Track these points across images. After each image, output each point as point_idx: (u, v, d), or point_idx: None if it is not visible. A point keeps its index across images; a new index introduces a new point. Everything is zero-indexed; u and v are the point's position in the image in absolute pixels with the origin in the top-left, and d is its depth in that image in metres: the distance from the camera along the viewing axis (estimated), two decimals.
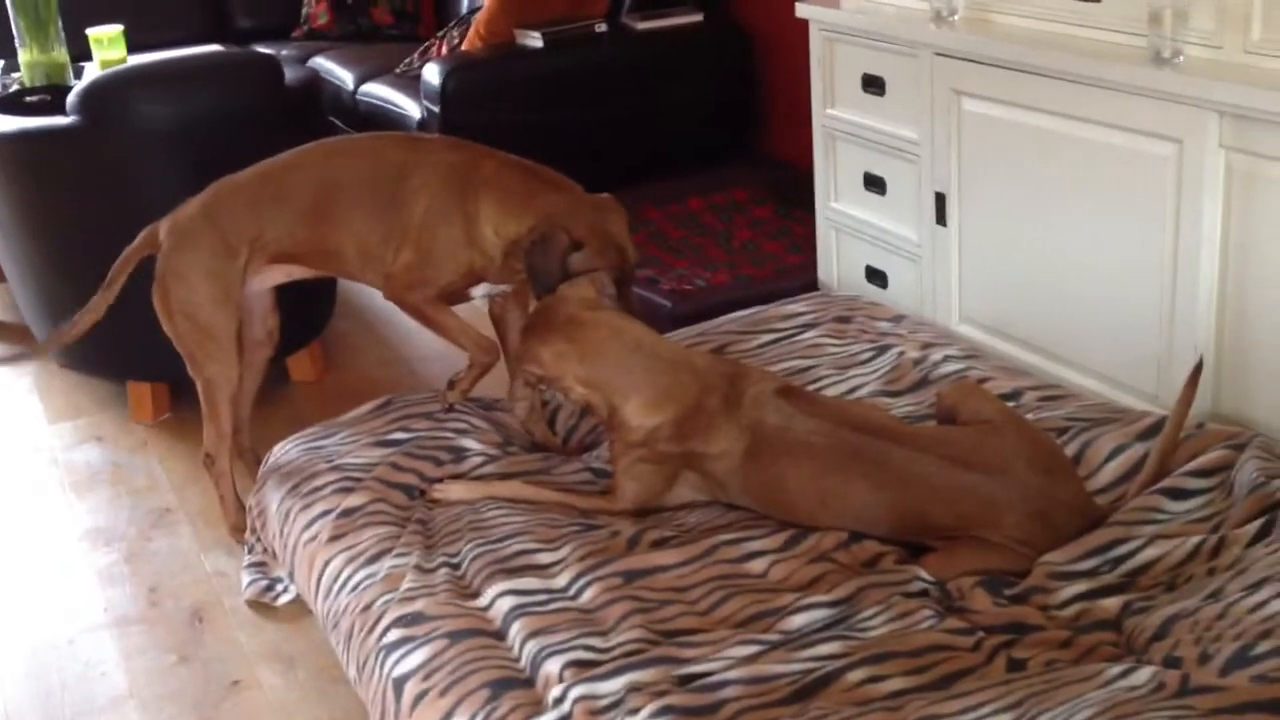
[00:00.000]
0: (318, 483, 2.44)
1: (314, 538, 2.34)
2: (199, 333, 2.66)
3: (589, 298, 2.33)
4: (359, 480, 2.44)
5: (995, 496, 2.08)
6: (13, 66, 4.23)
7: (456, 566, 2.18)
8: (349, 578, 2.22)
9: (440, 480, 2.43)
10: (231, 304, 2.65)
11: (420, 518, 2.34)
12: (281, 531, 2.45)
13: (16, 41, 4.08)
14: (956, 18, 2.85)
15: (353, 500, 2.37)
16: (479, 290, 2.60)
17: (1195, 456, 2.19)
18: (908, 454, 2.15)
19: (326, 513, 2.36)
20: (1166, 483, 2.15)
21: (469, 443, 2.54)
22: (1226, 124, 2.27)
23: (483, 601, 2.07)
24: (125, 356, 3.40)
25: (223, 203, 2.65)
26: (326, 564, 2.28)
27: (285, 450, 2.61)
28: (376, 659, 2.01)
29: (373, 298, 3.10)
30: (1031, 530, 2.08)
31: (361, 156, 2.65)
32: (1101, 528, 2.08)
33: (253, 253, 2.64)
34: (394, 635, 2.02)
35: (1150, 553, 2.03)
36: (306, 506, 2.41)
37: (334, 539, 2.30)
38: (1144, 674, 1.70)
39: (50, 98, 3.69)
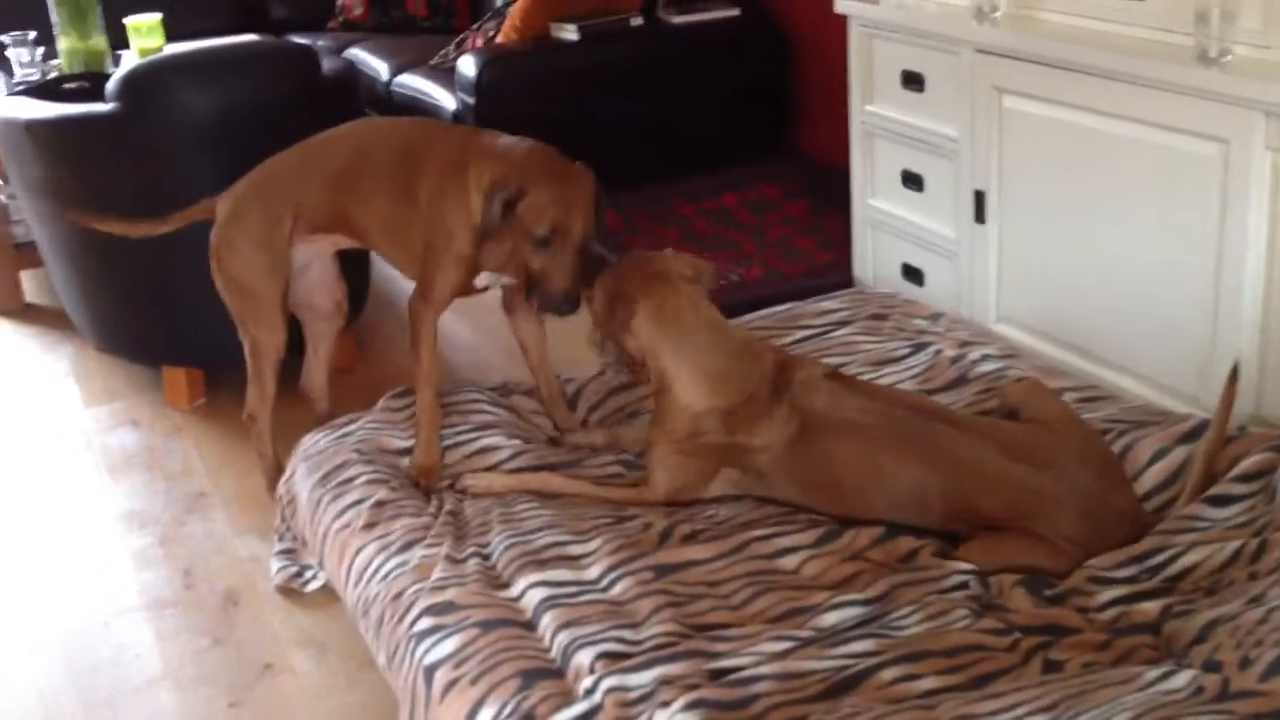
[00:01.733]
0: (349, 473, 2.45)
1: (346, 526, 2.34)
2: (246, 298, 2.75)
3: (684, 271, 2.31)
4: (390, 472, 2.45)
5: (1046, 491, 2.07)
6: (52, 53, 4.26)
7: (487, 558, 2.18)
8: (380, 566, 2.22)
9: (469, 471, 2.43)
10: (279, 272, 2.73)
11: (451, 509, 2.34)
12: (312, 520, 2.45)
13: (56, 29, 4.11)
14: (999, 14, 2.83)
15: (384, 493, 2.37)
16: (481, 280, 2.57)
17: (1237, 461, 2.17)
18: (962, 438, 2.14)
19: (358, 502, 2.36)
20: (1214, 491, 2.13)
21: (496, 439, 2.54)
22: (1274, 124, 2.24)
23: (514, 592, 2.07)
24: (161, 341, 3.42)
25: (270, 174, 2.74)
26: (358, 552, 2.28)
27: (315, 441, 2.62)
28: (407, 646, 2.01)
29: (406, 289, 3.09)
30: (1080, 530, 2.06)
31: (391, 136, 2.69)
32: (1146, 537, 2.07)
33: (296, 221, 2.70)
34: (425, 623, 2.02)
35: (1190, 558, 2.01)
36: (337, 496, 2.41)
37: (366, 528, 2.30)
38: (1183, 677, 1.69)
39: (89, 85, 3.71)
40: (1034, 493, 2.08)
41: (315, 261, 2.83)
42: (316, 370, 2.99)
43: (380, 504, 2.34)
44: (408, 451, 2.52)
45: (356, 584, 2.25)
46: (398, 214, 2.58)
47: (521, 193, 2.37)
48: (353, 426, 2.61)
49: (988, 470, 2.10)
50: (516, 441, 2.54)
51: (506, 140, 2.52)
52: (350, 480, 2.43)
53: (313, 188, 2.68)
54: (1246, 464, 2.14)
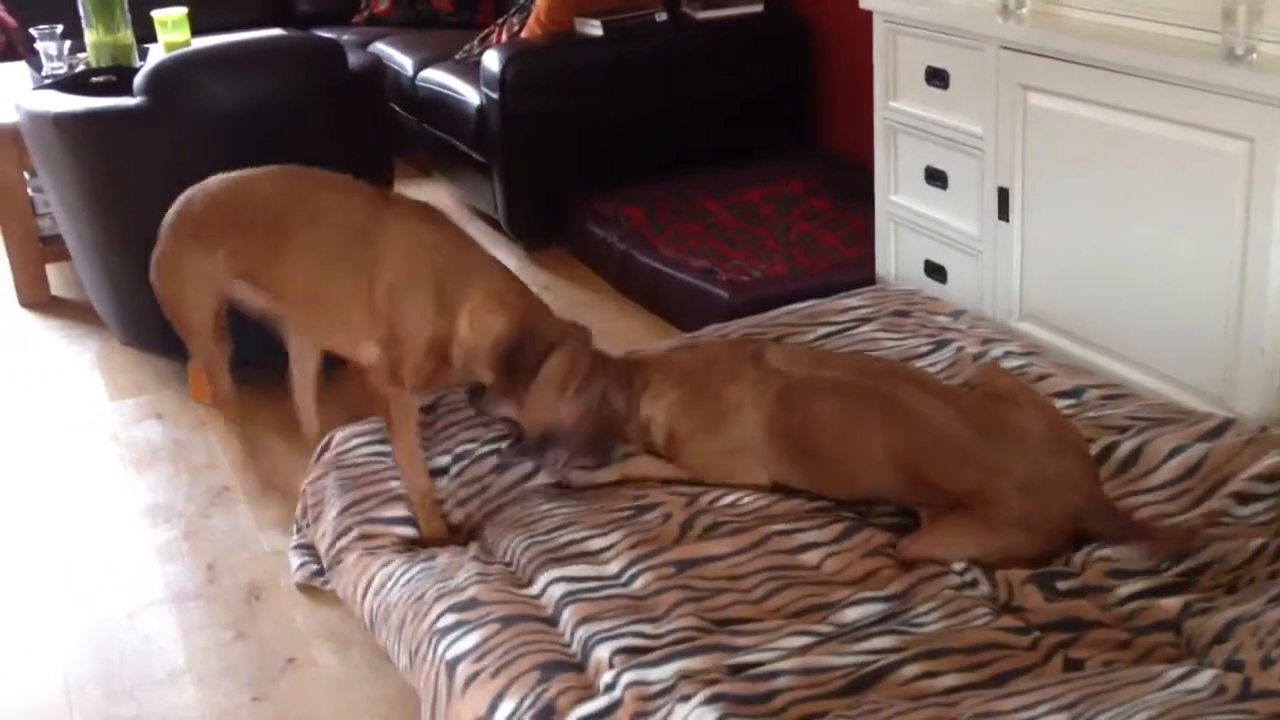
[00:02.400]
0: (384, 513, 2.44)
1: (370, 553, 2.37)
2: (178, 322, 2.76)
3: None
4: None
5: (998, 467, 2.08)
6: (79, 47, 4.28)
7: (508, 564, 2.20)
8: (402, 575, 2.24)
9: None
10: (206, 307, 2.67)
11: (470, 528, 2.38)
12: (334, 544, 2.47)
13: (83, 22, 4.13)
14: (1024, 11, 2.82)
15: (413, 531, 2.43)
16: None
17: (1259, 459, 2.16)
18: (927, 400, 2.18)
19: (388, 545, 2.39)
20: (1234, 487, 2.12)
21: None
22: None
23: (534, 590, 2.09)
24: None
25: (206, 201, 2.65)
26: (384, 565, 2.30)
27: (347, 442, 2.62)
28: (430, 643, 2.03)
29: None
30: (1031, 508, 2.06)
31: (336, 203, 2.55)
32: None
33: (227, 260, 2.60)
34: (448, 620, 2.03)
35: (1210, 553, 2.01)
36: (366, 536, 2.41)
37: (394, 553, 2.35)
38: (1205, 677, 1.69)
39: (115, 79, 3.73)
40: (986, 467, 2.09)
41: None
42: (303, 391, 2.85)
43: (411, 541, 2.40)
44: (440, 471, 2.53)
45: (375, 594, 2.27)
46: (333, 286, 2.48)
47: (550, 352, 2.36)
48: (385, 443, 2.61)
49: (944, 434, 2.13)
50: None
51: (496, 271, 2.45)
52: (383, 521, 2.43)
53: (237, 233, 2.59)
54: (1268, 463, 2.14)
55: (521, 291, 2.46)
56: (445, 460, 2.55)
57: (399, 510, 2.44)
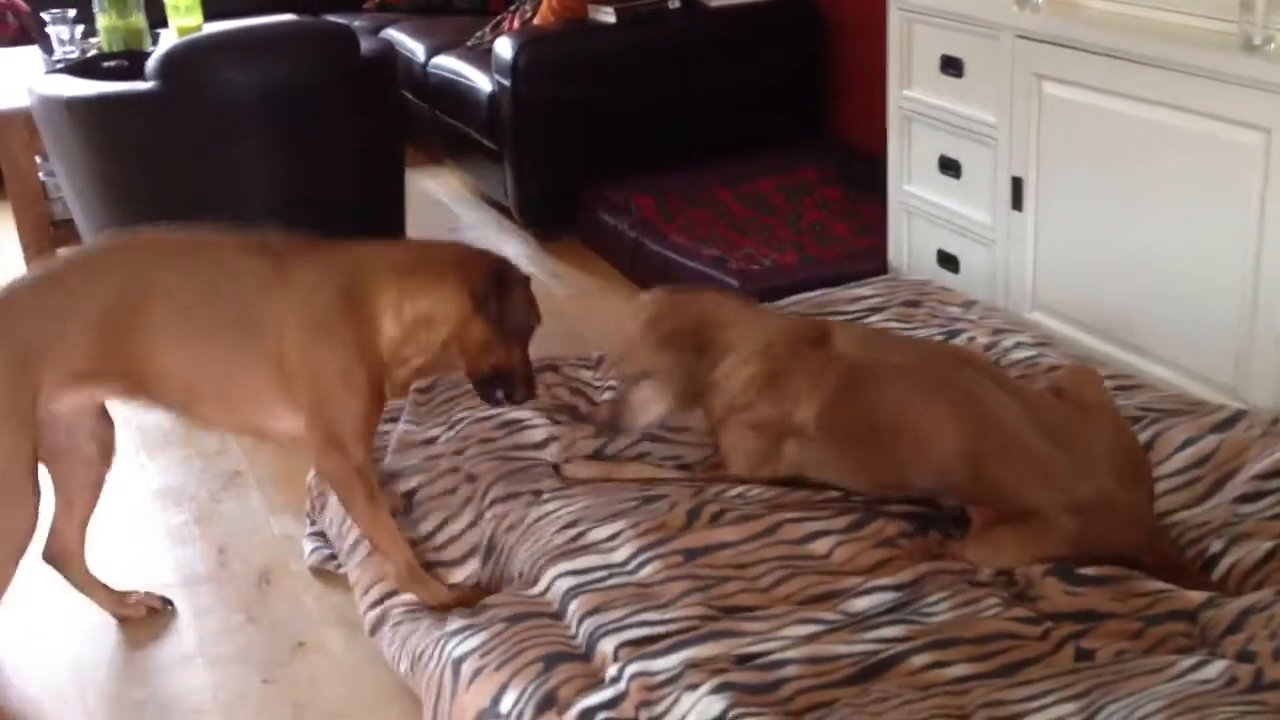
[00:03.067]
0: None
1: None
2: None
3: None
4: (419, 465, 2.50)
5: (1066, 482, 2.02)
6: (91, 31, 4.29)
7: (518, 576, 2.19)
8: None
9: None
10: (22, 436, 2.12)
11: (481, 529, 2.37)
12: (341, 531, 2.48)
13: (95, 6, 4.13)
14: (1040, 0, 2.80)
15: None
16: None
17: (1264, 454, 2.15)
18: (997, 395, 2.10)
19: None
20: (1240, 489, 2.11)
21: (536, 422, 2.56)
22: None
23: (540, 587, 2.07)
24: None
25: (14, 304, 2.17)
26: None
27: None
28: (436, 645, 2.03)
29: None
30: (1090, 535, 2.00)
31: (195, 258, 2.22)
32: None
33: (47, 370, 2.13)
34: (456, 623, 2.04)
35: (1228, 560, 2.00)
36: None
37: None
38: (1216, 667, 1.68)
39: (127, 63, 3.73)
40: (1054, 483, 2.02)
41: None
42: (69, 533, 2.41)
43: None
44: (432, 440, 2.52)
45: (376, 604, 2.27)
46: (224, 361, 2.18)
47: (504, 290, 2.20)
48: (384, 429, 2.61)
49: (1016, 437, 2.05)
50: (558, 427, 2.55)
51: (388, 248, 2.27)
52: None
53: (69, 329, 2.14)
54: (1275, 458, 2.12)
55: (435, 252, 2.27)
56: (438, 431, 2.58)
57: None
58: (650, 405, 2.30)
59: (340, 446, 2.17)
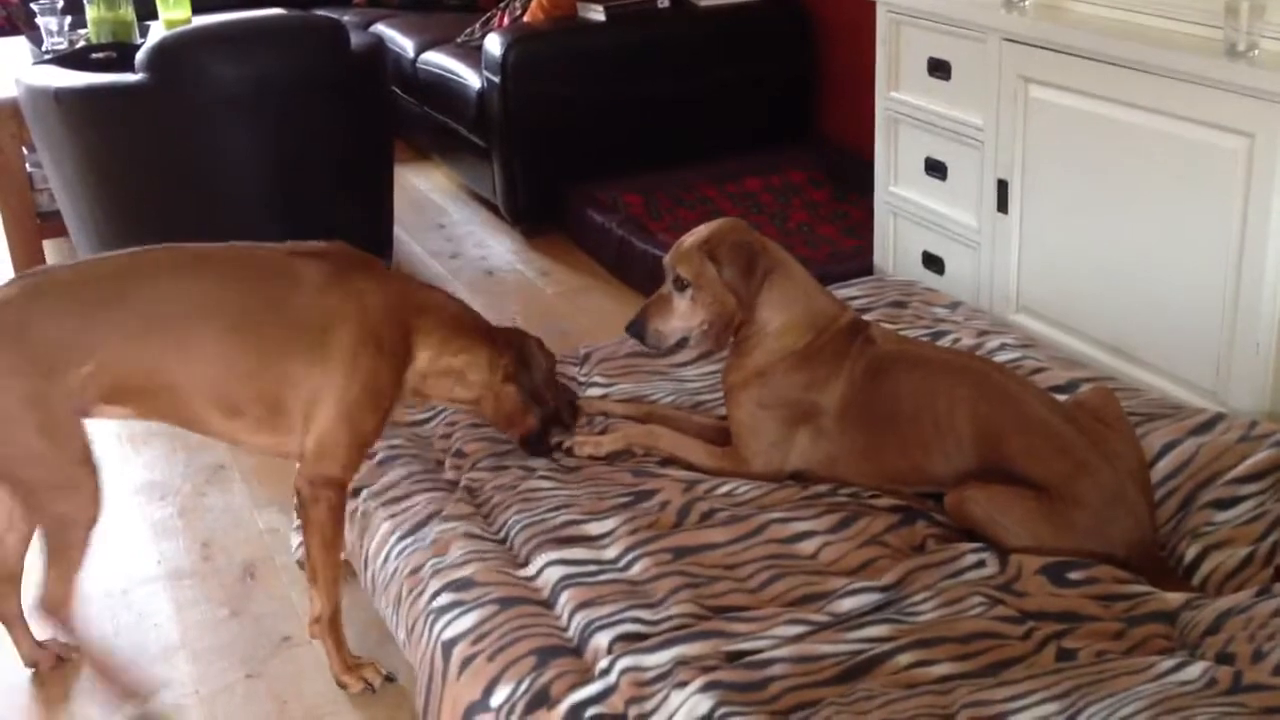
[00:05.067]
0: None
1: (361, 512, 2.37)
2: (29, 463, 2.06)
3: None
4: (405, 445, 2.50)
5: (1089, 460, 2.06)
6: (80, 23, 4.27)
7: (503, 540, 2.20)
8: (397, 543, 2.25)
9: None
10: (69, 429, 2.07)
11: (467, 484, 2.36)
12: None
13: None
14: (1027, 3, 2.82)
15: (396, 471, 2.41)
16: None
17: (1243, 458, 2.17)
18: (1022, 389, 2.17)
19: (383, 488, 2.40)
20: (1214, 494, 2.12)
21: None
22: None
23: (530, 570, 2.09)
24: None
25: (45, 301, 2.05)
26: (377, 529, 2.31)
27: None
28: (426, 622, 2.03)
29: (434, 257, 3.09)
30: (1100, 522, 2.04)
31: (253, 272, 2.17)
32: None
33: (84, 379, 2.05)
34: (444, 599, 2.04)
35: (1207, 565, 2.02)
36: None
37: (383, 505, 2.33)
38: (1196, 669, 1.69)
39: (116, 55, 3.73)
40: (1076, 460, 2.05)
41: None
42: (8, 557, 2.29)
43: (390, 486, 2.38)
44: (419, 422, 2.53)
45: (374, 561, 2.27)
46: (255, 375, 2.11)
47: (525, 358, 2.32)
48: None
49: (1037, 417, 2.11)
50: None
51: (432, 294, 2.34)
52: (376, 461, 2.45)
53: (111, 338, 2.05)
54: (1253, 461, 2.14)
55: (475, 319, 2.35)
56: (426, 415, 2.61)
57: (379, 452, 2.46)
58: (682, 315, 2.30)
59: (342, 466, 2.17)
